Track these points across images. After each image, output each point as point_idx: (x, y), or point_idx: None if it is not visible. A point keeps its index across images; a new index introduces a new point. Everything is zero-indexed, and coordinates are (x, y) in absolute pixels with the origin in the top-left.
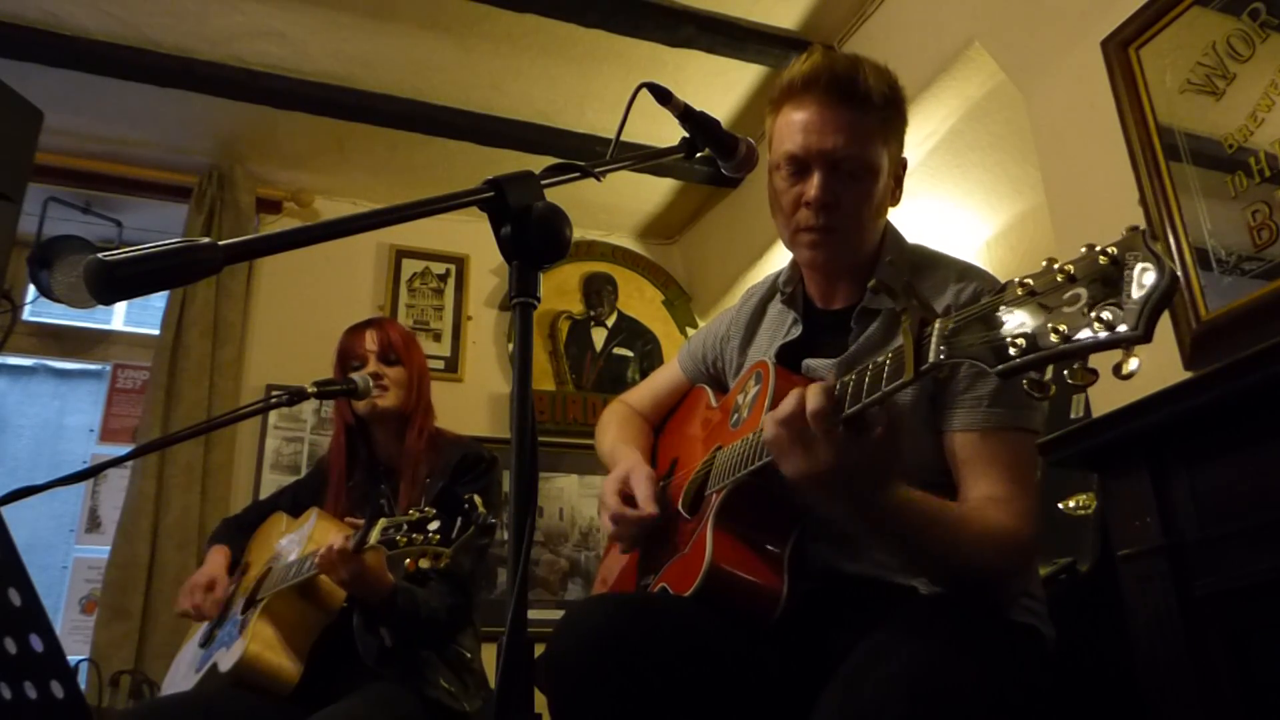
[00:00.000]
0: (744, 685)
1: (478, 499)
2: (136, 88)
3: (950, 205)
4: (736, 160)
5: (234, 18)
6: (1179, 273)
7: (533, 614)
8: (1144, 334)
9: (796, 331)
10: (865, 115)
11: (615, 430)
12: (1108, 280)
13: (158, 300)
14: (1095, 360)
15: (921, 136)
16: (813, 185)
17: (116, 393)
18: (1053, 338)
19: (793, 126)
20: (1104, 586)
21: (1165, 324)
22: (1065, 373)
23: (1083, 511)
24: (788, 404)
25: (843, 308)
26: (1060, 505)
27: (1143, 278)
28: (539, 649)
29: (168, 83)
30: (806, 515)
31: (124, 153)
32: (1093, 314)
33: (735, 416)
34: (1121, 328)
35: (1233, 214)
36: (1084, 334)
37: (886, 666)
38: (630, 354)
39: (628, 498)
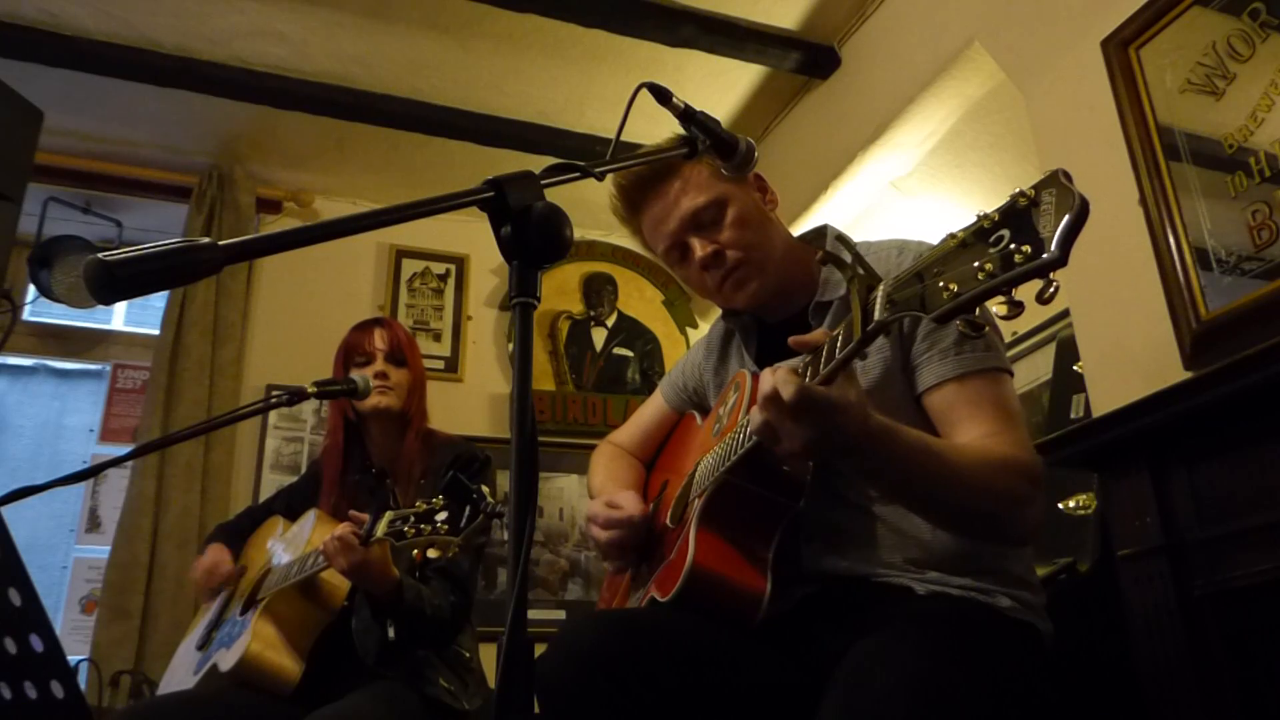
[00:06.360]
0: (739, 694)
1: (485, 489)
2: (136, 88)
3: (950, 205)
4: (737, 160)
5: (234, 18)
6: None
7: (533, 614)
8: (1060, 256)
9: (754, 342)
10: (681, 174)
11: (603, 470)
12: (1028, 218)
13: (158, 300)
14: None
15: (921, 136)
16: (696, 250)
17: (116, 393)
18: (980, 276)
19: (652, 229)
20: (1104, 586)
21: (1165, 324)
22: (995, 309)
23: (1083, 511)
24: (763, 387)
25: (796, 313)
26: (1060, 505)
27: (1057, 208)
28: (539, 649)
29: (168, 83)
30: (793, 514)
31: (124, 153)
32: (1015, 248)
33: (716, 426)
34: (1043, 256)
35: (1233, 214)
36: (1008, 268)
37: (888, 671)
38: (630, 354)
39: (615, 507)
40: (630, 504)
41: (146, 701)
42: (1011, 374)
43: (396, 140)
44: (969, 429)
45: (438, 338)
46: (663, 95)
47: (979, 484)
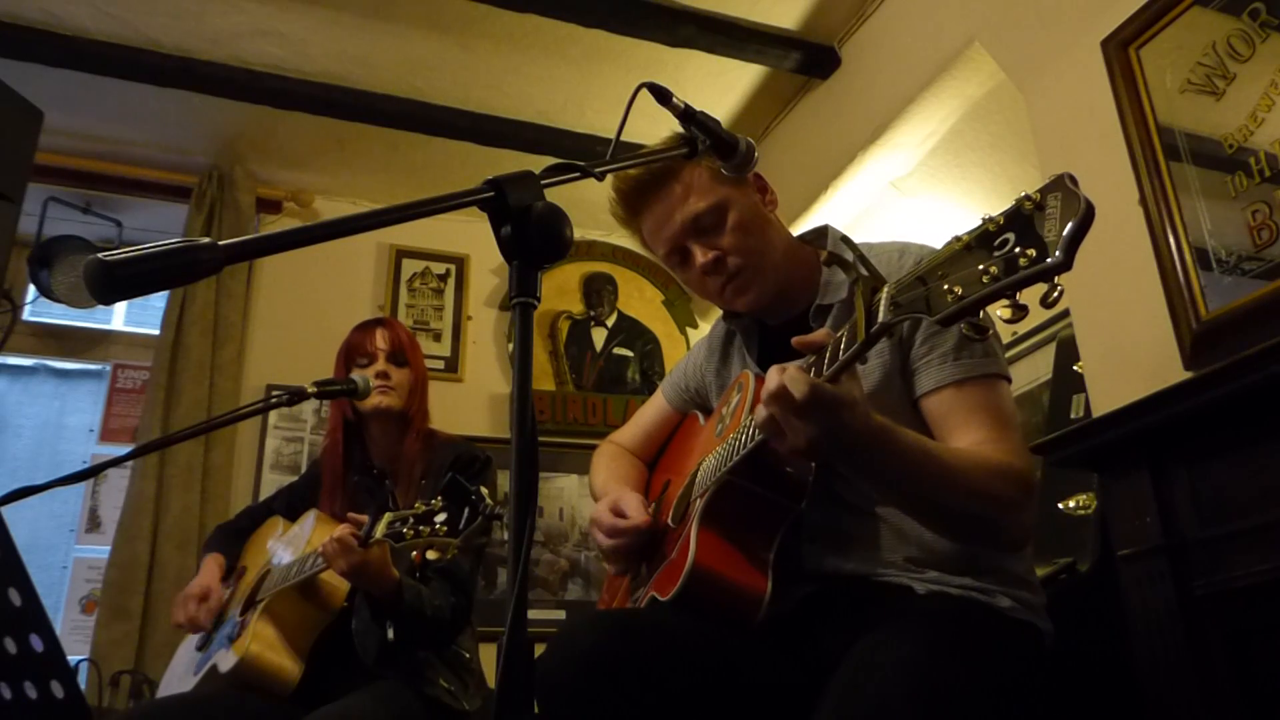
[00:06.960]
0: (739, 694)
1: (484, 490)
2: (136, 88)
3: (950, 205)
4: (737, 160)
5: (234, 18)
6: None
7: (533, 614)
8: (1065, 260)
9: (756, 344)
10: (682, 178)
11: (605, 470)
12: (1033, 222)
13: (158, 300)
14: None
15: (921, 136)
16: (697, 256)
17: (116, 393)
18: (984, 280)
19: (652, 233)
20: (1104, 586)
21: (1165, 324)
22: (999, 312)
23: (1083, 511)
24: (768, 383)
25: (797, 315)
26: (1060, 505)
27: (1063, 212)
28: (539, 649)
29: (168, 83)
30: (794, 515)
31: (124, 153)
32: (1019, 252)
33: (719, 426)
34: (1047, 260)
35: (1233, 214)
36: (1012, 272)
37: (887, 669)
38: (630, 354)
39: (620, 514)
40: (636, 512)
41: (146, 703)
42: (1009, 380)
43: (396, 140)
44: (965, 434)
45: (438, 338)
46: (663, 95)
47: (974, 488)
